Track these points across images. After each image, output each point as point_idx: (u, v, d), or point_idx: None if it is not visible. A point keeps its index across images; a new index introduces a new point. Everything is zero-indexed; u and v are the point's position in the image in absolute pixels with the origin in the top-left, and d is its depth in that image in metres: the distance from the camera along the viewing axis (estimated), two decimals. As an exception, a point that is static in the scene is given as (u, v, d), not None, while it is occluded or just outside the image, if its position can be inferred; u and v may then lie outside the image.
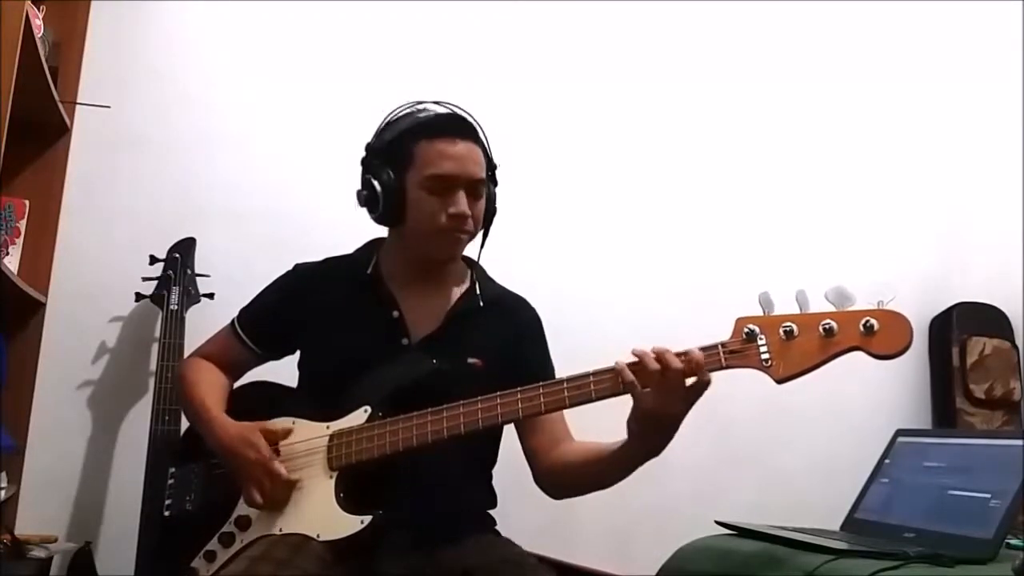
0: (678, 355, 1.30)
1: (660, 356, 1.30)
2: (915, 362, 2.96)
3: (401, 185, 1.54)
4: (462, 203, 1.51)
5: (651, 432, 1.35)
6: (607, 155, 2.73)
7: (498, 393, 1.39)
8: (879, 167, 3.00)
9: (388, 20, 2.57)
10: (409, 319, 1.57)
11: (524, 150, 2.53)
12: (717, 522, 1.69)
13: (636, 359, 1.32)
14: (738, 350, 1.30)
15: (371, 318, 1.58)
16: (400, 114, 1.59)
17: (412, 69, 2.52)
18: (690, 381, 1.30)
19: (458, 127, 1.55)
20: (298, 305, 1.63)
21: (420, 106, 1.59)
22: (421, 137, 1.53)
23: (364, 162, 1.59)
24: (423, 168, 1.51)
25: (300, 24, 2.51)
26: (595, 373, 1.35)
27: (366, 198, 1.58)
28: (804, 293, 1.29)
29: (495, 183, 1.63)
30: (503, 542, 1.55)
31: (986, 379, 2.89)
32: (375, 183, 1.55)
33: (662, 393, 1.30)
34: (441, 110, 1.58)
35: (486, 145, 1.60)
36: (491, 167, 1.61)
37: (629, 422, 1.36)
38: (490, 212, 1.60)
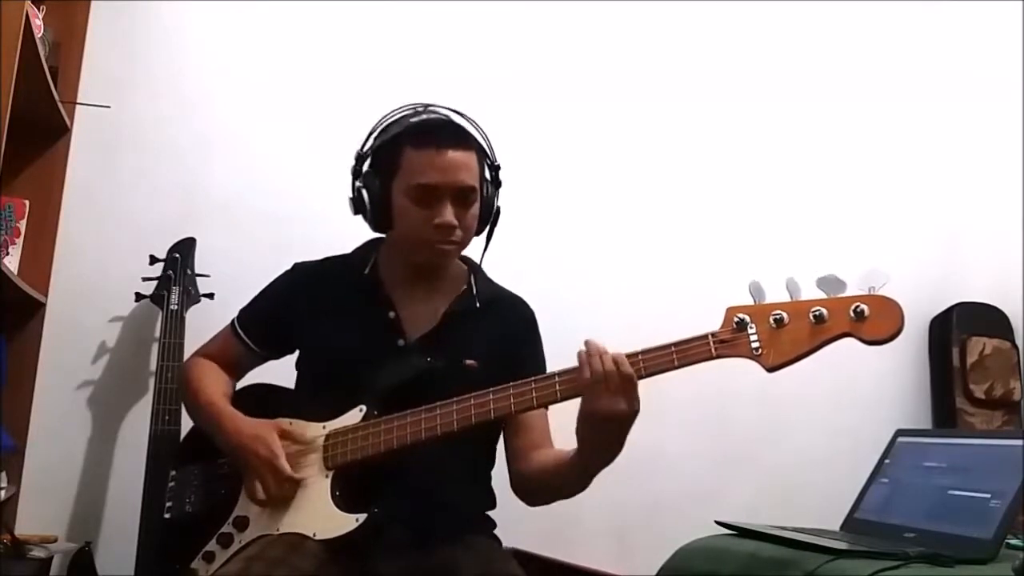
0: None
1: (603, 356, 1.31)
2: (915, 362, 2.96)
3: (387, 193, 1.54)
4: (448, 214, 1.49)
5: (600, 435, 1.35)
6: (599, 151, 2.73)
7: (490, 389, 1.40)
8: (880, 167, 3.01)
9: (389, 21, 2.58)
10: (405, 319, 1.57)
11: (518, 148, 2.53)
12: (717, 522, 1.69)
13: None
14: (728, 340, 1.30)
15: (368, 318, 1.58)
16: (389, 120, 1.58)
17: (412, 70, 2.52)
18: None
19: (446, 135, 1.52)
20: (296, 305, 1.63)
21: (409, 111, 1.57)
22: (407, 145, 1.51)
23: (353, 169, 1.60)
24: (409, 177, 1.50)
25: (301, 24, 2.51)
26: None
27: (356, 205, 1.58)
28: (795, 281, 1.29)
29: (497, 184, 1.62)
30: (498, 553, 1.54)
31: (986, 379, 2.89)
32: (364, 191, 1.56)
33: (609, 392, 1.30)
34: (430, 116, 1.56)
35: (484, 148, 1.59)
36: (493, 168, 1.61)
37: (578, 429, 1.36)
38: (487, 213, 1.58)
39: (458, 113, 1.58)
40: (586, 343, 1.34)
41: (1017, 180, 3.05)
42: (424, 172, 1.49)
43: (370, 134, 1.59)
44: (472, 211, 1.54)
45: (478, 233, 1.61)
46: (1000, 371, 2.91)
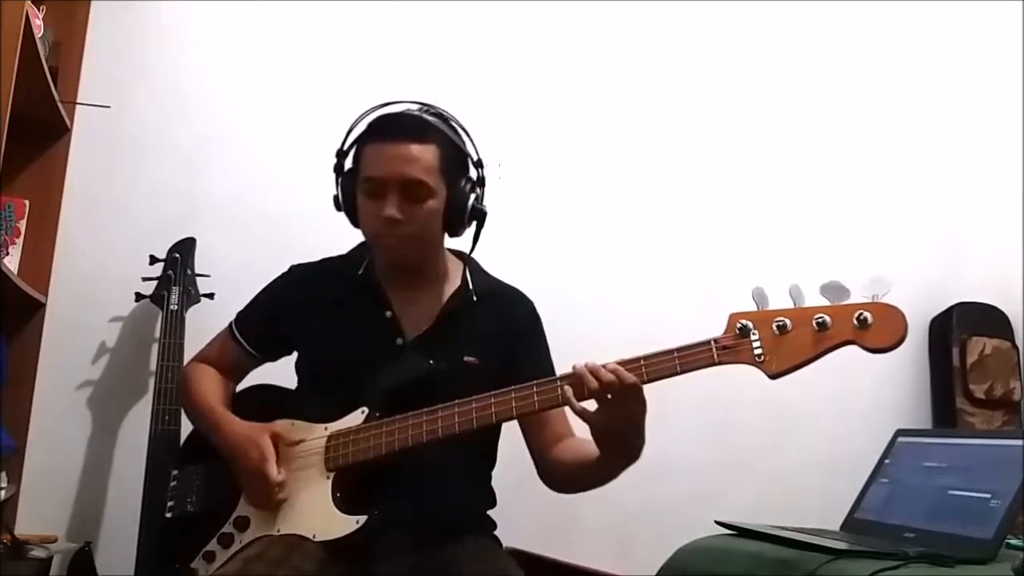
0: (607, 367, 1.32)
1: (594, 372, 1.31)
2: (915, 362, 2.96)
3: (353, 190, 1.56)
4: (389, 206, 1.48)
5: (618, 440, 1.37)
6: (602, 153, 2.73)
7: (492, 392, 1.39)
8: (880, 168, 3.00)
9: (388, 21, 2.57)
10: (402, 318, 1.57)
11: (519, 149, 2.53)
12: (717, 522, 1.69)
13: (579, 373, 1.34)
14: (730, 346, 1.30)
15: (365, 318, 1.58)
16: (361, 118, 1.57)
17: (412, 69, 2.52)
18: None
19: (396, 128, 1.50)
20: (293, 307, 1.63)
21: (379, 108, 1.57)
22: (366, 140, 1.53)
23: (334, 167, 1.60)
24: (362, 171, 1.53)
25: (300, 24, 2.50)
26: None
27: (336, 203, 1.60)
28: (798, 287, 1.29)
29: (479, 182, 1.58)
30: (498, 554, 1.54)
31: (986, 379, 2.89)
32: (339, 188, 1.58)
33: (605, 406, 1.33)
34: (390, 110, 1.56)
35: (455, 143, 1.54)
36: (477, 166, 1.58)
37: (596, 441, 1.38)
38: (457, 211, 1.54)
39: (428, 106, 1.57)
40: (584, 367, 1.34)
41: (1017, 180, 3.05)
42: (371, 165, 1.51)
43: (349, 131, 1.59)
44: (426, 206, 1.50)
45: (455, 232, 1.59)
46: (1000, 371, 2.91)
